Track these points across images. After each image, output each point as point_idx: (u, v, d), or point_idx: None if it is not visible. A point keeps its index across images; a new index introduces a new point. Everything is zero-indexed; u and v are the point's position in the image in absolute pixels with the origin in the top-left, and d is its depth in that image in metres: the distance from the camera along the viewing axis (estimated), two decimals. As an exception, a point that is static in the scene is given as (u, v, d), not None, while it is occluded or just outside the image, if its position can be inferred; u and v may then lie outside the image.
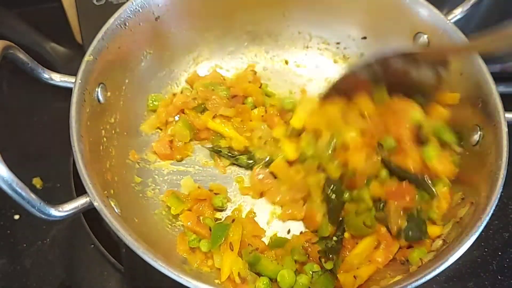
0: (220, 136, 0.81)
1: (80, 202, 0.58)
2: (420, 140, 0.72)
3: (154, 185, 0.78)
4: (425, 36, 0.78)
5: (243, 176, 0.80)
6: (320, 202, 0.73)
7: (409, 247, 0.69)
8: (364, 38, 0.87)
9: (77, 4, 0.95)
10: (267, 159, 0.78)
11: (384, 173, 0.72)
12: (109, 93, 0.73)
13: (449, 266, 0.57)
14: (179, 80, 0.88)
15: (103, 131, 0.71)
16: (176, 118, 0.82)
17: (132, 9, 0.75)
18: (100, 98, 0.70)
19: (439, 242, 0.66)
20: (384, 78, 0.74)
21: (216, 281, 0.66)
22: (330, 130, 0.74)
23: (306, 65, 0.92)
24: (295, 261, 0.70)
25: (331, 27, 0.89)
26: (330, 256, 0.68)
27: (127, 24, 0.75)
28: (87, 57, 0.68)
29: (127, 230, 0.57)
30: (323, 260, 0.69)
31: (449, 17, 0.78)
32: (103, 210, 0.58)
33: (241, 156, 0.80)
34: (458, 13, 0.79)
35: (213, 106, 0.81)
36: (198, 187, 0.77)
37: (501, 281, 0.78)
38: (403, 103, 0.73)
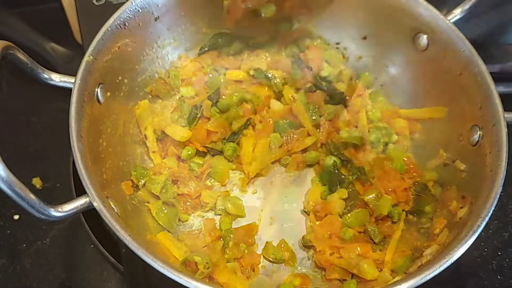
0: None
1: (79, 202, 0.58)
2: None
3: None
4: (425, 36, 0.78)
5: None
6: None
7: None
8: (364, 38, 0.87)
9: (76, 4, 0.95)
10: None
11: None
12: (108, 93, 0.73)
13: (449, 266, 0.57)
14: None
15: (102, 132, 0.71)
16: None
17: (131, 9, 0.75)
18: (100, 98, 0.70)
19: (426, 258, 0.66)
20: None
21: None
22: None
23: (306, 65, 0.92)
24: None
25: (331, 27, 0.89)
26: None
27: (127, 24, 0.75)
28: (87, 57, 0.68)
29: (126, 231, 0.57)
30: None
31: (449, 17, 0.78)
32: (102, 211, 0.58)
33: None
34: (457, 13, 0.79)
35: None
36: None
37: (500, 281, 0.78)
38: None
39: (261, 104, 0.84)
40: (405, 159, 0.79)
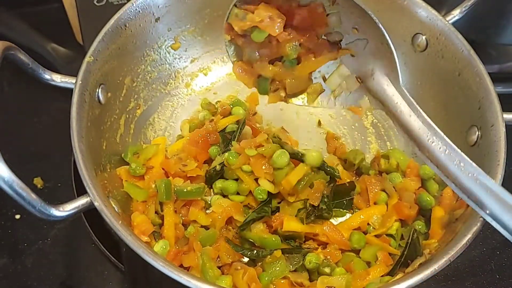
0: None
1: (80, 202, 0.59)
2: None
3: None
4: (424, 37, 0.78)
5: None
6: None
7: None
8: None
9: (77, 4, 0.95)
10: None
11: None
12: (109, 94, 0.73)
13: (447, 265, 0.57)
14: (178, 80, 0.88)
15: (103, 132, 0.72)
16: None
17: (132, 10, 0.75)
18: (101, 98, 0.71)
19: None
20: None
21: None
22: None
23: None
24: None
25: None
26: None
27: (128, 25, 0.75)
28: (88, 58, 0.68)
29: (127, 230, 0.57)
30: None
31: (448, 18, 0.78)
32: (103, 210, 0.58)
33: None
34: (456, 14, 0.79)
35: None
36: None
37: (499, 280, 0.78)
38: None
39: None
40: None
